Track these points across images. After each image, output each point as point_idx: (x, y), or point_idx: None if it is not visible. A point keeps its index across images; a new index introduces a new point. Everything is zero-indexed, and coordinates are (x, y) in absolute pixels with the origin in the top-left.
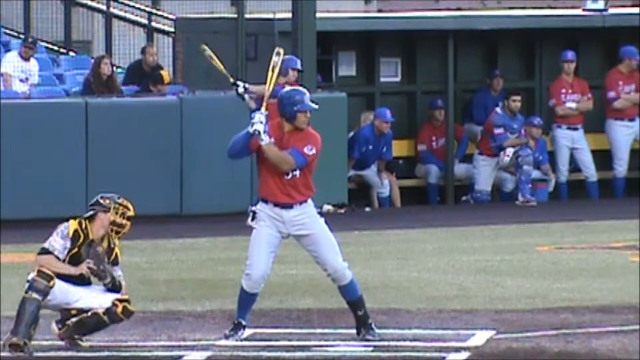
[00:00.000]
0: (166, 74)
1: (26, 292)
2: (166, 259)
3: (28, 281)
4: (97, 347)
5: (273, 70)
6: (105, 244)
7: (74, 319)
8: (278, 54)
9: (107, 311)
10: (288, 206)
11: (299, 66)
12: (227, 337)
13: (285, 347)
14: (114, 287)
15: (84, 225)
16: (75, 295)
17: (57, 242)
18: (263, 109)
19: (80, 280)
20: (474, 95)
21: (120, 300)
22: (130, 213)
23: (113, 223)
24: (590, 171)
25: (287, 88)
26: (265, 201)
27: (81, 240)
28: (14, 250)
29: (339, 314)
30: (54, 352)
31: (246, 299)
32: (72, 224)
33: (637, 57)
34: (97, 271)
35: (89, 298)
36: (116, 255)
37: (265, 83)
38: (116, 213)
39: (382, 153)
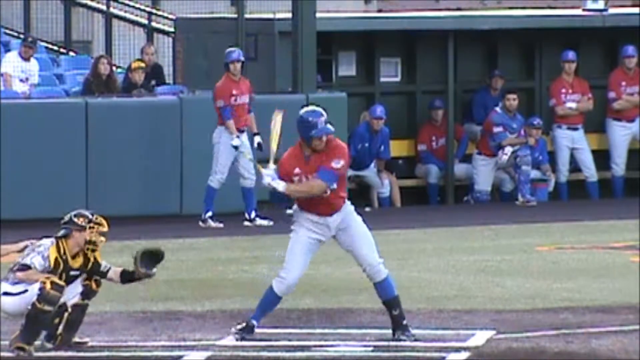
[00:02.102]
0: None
1: (38, 302)
2: (166, 259)
3: (8, 293)
4: (97, 347)
5: (275, 130)
6: (80, 259)
7: (61, 326)
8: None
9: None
10: (330, 214)
11: (237, 57)
12: (233, 334)
13: (285, 347)
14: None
15: (62, 251)
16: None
17: (37, 260)
18: (271, 164)
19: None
20: (474, 95)
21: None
22: (105, 229)
23: (89, 242)
24: (590, 171)
25: (305, 109)
26: (307, 210)
27: (61, 267)
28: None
29: (339, 314)
30: (54, 352)
31: (271, 302)
32: (53, 252)
33: (629, 54)
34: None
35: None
36: (95, 261)
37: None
38: (91, 232)
39: (380, 152)
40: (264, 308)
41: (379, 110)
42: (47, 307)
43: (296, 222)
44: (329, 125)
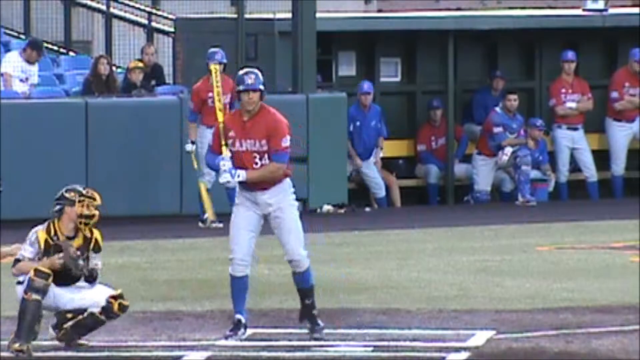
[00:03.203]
0: None
1: (25, 292)
2: (166, 259)
3: (20, 282)
4: (97, 347)
5: (216, 86)
6: (80, 239)
7: (70, 323)
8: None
9: (104, 310)
10: (261, 190)
11: (220, 59)
12: (227, 338)
13: (285, 347)
14: (91, 278)
15: (52, 232)
16: (64, 298)
17: (27, 250)
18: (224, 152)
19: (65, 282)
20: (474, 95)
21: (115, 297)
22: (97, 202)
23: (81, 216)
24: (590, 171)
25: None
26: (242, 185)
27: (53, 248)
28: None
29: (339, 314)
30: (53, 352)
31: (237, 286)
32: (42, 235)
33: (638, 59)
34: (70, 265)
35: (78, 299)
36: (96, 242)
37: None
38: (82, 205)
39: (378, 130)
40: (236, 297)
41: (366, 85)
42: (35, 296)
43: (236, 202)
44: (253, 83)
